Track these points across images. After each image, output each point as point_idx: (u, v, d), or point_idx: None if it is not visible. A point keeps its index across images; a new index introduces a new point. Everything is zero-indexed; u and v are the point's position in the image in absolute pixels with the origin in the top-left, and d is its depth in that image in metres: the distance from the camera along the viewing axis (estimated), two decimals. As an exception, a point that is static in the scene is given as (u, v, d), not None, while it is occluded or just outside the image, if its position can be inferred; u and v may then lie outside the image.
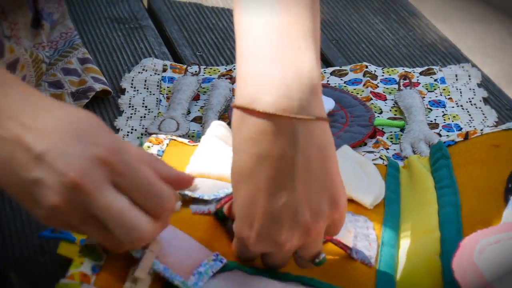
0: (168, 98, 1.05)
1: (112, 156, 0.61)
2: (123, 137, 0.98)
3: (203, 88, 1.07)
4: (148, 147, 0.87)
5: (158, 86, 1.07)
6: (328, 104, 1.01)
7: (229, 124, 0.99)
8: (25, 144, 0.61)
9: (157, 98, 1.05)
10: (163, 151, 0.86)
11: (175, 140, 0.88)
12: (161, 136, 0.88)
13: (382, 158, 0.90)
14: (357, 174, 0.85)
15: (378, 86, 1.08)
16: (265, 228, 0.66)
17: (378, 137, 0.98)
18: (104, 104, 1.05)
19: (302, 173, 0.65)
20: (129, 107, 1.03)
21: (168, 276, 0.67)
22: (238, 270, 0.71)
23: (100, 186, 0.60)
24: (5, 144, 0.62)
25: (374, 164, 0.88)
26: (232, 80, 1.07)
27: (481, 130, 0.90)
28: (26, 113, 0.62)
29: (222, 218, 0.74)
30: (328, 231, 0.69)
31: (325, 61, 1.16)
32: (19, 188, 0.62)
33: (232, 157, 0.67)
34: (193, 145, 0.88)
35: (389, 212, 0.82)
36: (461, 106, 1.05)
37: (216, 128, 0.88)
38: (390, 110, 1.03)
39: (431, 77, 1.10)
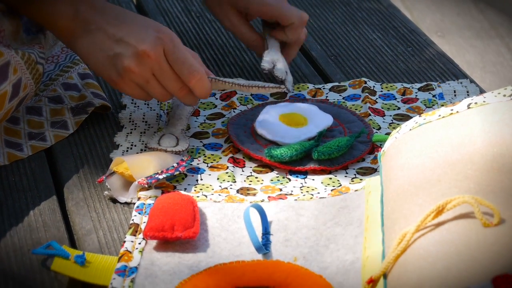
0: (168, 113, 1.05)
1: (168, 40, 0.94)
2: (123, 152, 0.98)
3: (203, 103, 1.08)
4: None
5: (158, 102, 1.07)
6: (327, 120, 1.01)
7: (227, 139, 1.00)
8: (108, 32, 0.95)
9: (157, 114, 1.05)
10: None
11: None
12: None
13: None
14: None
15: (376, 102, 1.08)
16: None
17: (376, 153, 0.98)
18: (103, 120, 1.05)
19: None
20: (129, 122, 1.04)
21: None
22: None
23: (160, 56, 0.94)
24: (93, 34, 0.95)
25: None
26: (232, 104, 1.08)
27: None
28: (109, 15, 0.96)
29: None
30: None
31: (324, 77, 1.16)
32: (102, 62, 0.95)
33: None
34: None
35: None
36: (459, 122, 1.05)
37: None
38: (388, 127, 1.03)
39: (429, 92, 1.10)
